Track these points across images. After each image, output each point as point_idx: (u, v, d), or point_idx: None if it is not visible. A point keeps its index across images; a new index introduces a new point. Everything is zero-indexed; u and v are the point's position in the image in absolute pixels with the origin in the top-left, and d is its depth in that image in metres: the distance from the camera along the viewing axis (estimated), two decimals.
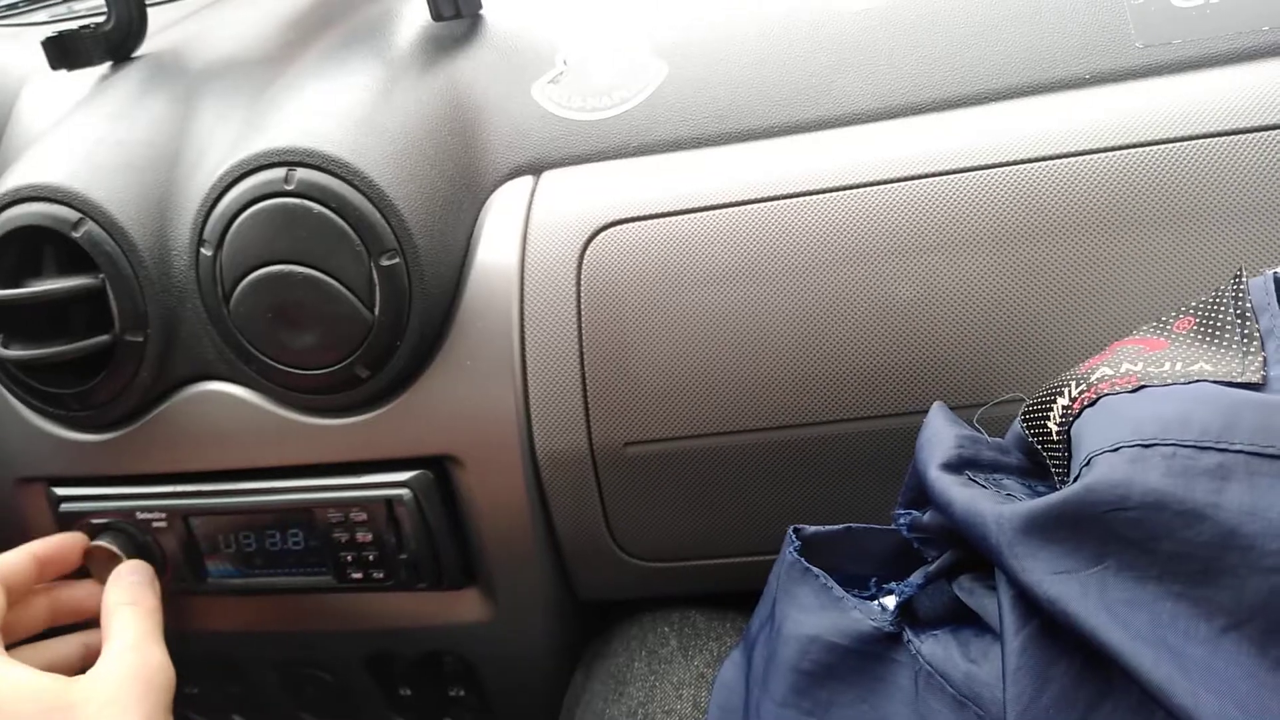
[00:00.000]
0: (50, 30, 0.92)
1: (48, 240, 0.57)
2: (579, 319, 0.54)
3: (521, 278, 0.56)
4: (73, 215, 0.56)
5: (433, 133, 0.59)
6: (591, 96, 0.60)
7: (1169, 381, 0.32)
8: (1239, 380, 0.31)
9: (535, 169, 0.60)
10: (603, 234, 0.55)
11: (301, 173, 0.53)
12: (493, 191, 0.60)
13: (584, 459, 0.55)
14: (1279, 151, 0.48)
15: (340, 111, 0.57)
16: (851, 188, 0.52)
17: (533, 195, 0.58)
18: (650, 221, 0.55)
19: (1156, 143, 0.49)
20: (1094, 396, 0.34)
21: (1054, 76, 0.53)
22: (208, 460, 0.60)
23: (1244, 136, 0.48)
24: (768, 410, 0.53)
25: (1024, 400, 0.40)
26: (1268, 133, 0.48)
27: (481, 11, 0.66)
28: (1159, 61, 0.52)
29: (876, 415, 0.52)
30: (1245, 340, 0.33)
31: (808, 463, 0.54)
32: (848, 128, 0.55)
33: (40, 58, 0.75)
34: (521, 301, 0.55)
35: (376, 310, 0.53)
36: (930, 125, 0.54)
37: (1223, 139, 0.48)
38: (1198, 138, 0.49)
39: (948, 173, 0.51)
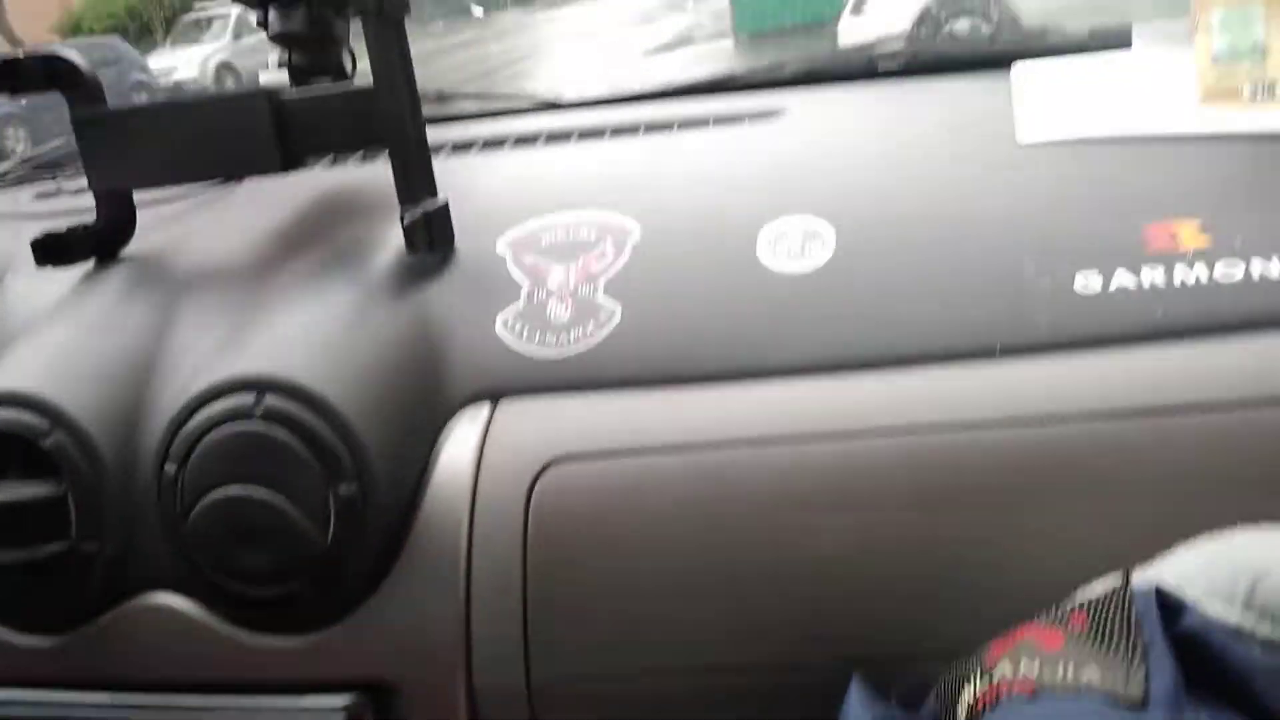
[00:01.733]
0: (36, 206, 0.97)
1: (15, 443, 0.58)
2: (524, 554, 0.57)
3: (472, 509, 0.58)
4: (43, 424, 0.58)
5: (399, 360, 0.62)
6: (550, 334, 0.64)
7: (1061, 691, 0.35)
8: (1123, 695, 0.34)
9: (494, 395, 0.63)
10: (551, 469, 0.58)
11: (270, 399, 0.56)
12: (451, 417, 0.63)
13: (521, 697, 0.56)
14: (1169, 435, 0.53)
15: (312, 339, 0.60)
16: (785, 441, 0.56)
17: (488, 424, 0.61)
18: (597, 461, 0.58)
19: (1065, 419, 0.54)
20: (994, 698, 0.37)
21: (966, 346, 0.58)
22: (148, 672, 0.60)
23: (1140, 420, 0.53)
24: (700, 652, 0.55)
25: (941, 665, 0.43)
26: (1159, 419, 0.53)
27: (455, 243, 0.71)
28: (1064, 339, 0.58)
29: (801, 662, 0.54)
30: (1130, 651, 0.37)
31: (741, 702, 0.55)
32: (786, 378, 0.60)
33: (24, 242, 0.79)
34: (470, 533, 0.58)
35: (330, 537, 0.55)
36: (851, 384, 0.58)
37: (1120, 421, 0.53)
38: (1099, 418, 0.54)
39: (873, 433, 0.55)
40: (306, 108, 0.69)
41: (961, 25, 5.53)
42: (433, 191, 0.69)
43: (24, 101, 10.37)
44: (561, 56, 12.52)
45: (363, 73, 0.81)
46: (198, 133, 0.70)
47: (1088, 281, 0.58)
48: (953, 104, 0.85)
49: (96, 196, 0.75)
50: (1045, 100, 0.77)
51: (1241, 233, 0.58)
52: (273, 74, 0.79)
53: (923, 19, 5.68)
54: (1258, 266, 0.57)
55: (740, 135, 0.84)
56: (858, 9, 6.23)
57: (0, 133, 10.29)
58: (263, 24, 0.81)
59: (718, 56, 10.06)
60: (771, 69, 1.01)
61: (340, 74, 0.83)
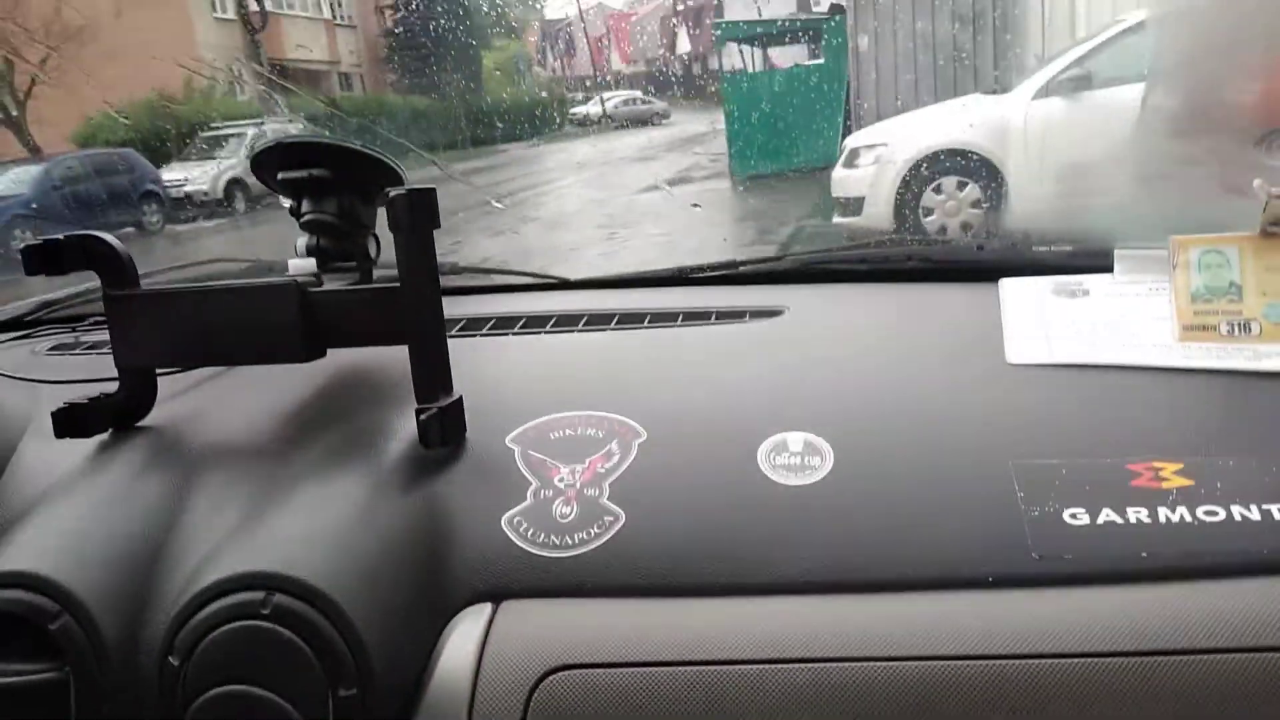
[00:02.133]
0: (54, 362, 0.99)
1: (23, 624, 0.59)
2: None
3: (470, 712, 0.59)
4: (52, 607, 0.59)
5: (405, 557, 0.63)
6: (554, 534, 0.66)
7: None
8: None
9: (496, 596, 0.64)
10: (550, 678, 0.59)
11: (279, 598, 0.56)
12: (454, 615, 0.64)
13: None
14: (1151, 678, 0.54)
15: (322, 535, 0.62)
16: (780, 661, 0.57)
17: (489, 627, 0.62)
18: (595, 671, 0.58)
19: (1054, 656, 0.55)
20: None
21: (960, 575, 0.60)
22: None
23: (1124, 661, 0.54)
24: None
25: None
26: (1141, 660, 0.54)
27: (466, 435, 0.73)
28: (1053, 573, 0.59)
29: None
30: None
31: None
32: (783, 596, 0.61)
33: (43, 405, 0.81)
34: None
35: None
36: (848, 607, 0.60)
37: (1106, 660, 0.55)
38: (1086, 657, 0.55)
39: (859, 660, 0.56)
40: (333, 302, 0.73)
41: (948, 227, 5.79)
42: (448, 388, 0.71)
43: (33, 205, 10.60)
44: (566, 188, 12.93)
45: (386, 261, 0.85)
46: (225, 319, 0.73)
47: (1076, 516, 0.61)
48: (945, 313, 0.90)
49: (120, 371, 0.77)
50: (1032, 323, 0.81)
51: (1221, 478, 0.61)
52: (301, 259, 0.83)
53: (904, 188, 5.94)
54: (1238, 512, 0.59)
55: (743, 334, 0.88)
56: (850, 163, 6.49)
57: (8, 233, 10.44)
58: (294, 212, 0.85)
59: (714, 197, 10.41)
60: (773, 263, 1.06)
61: (365, 259, 0.87)
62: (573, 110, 26.67)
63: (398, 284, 0.70)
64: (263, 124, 14.58)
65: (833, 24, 11.31)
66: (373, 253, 0.88)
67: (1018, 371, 0.75)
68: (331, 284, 0.83)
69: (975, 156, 5.82)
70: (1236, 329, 0.75)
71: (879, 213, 6.09)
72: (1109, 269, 0.90)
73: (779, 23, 13.61)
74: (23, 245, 0.73)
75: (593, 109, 26.51)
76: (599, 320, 0.93)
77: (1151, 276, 0.85)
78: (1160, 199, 0.90)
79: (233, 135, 13.94)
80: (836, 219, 6.48)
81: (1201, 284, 0.77)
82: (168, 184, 12.70)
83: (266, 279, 0.75)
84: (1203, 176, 0.82)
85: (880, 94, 10.37)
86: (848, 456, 0.67)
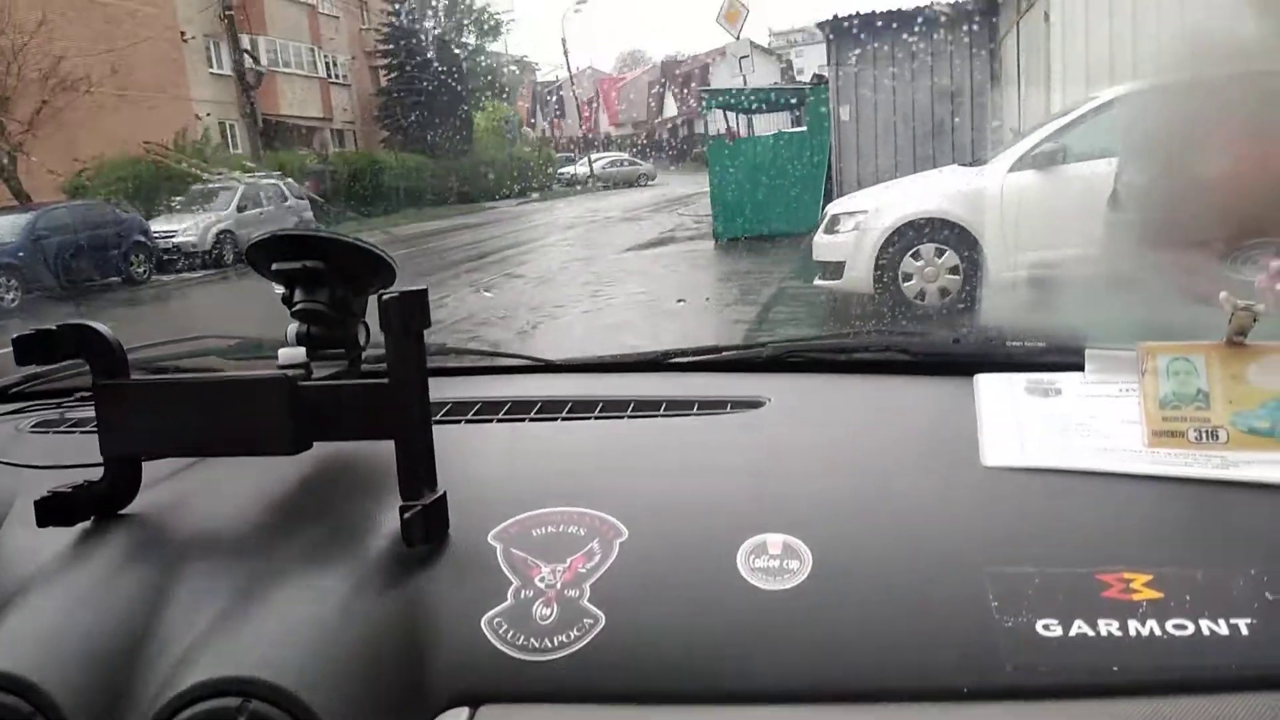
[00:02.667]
0: (38, 442, 0.99)
1: None
2: None
3: None
4: (26, 708, 0.58)
5: (385, 658, 0.64)
6: (534, 637, 0.66)
7: None
8: None
9: (475, 700, 0.64)
10: None
11: (255, 705, 0.56)
12: (433, 719, 0.63)
13: None
14: None
15: (302, 637, 0.62)
16: None
17: None
18: None
19: None
20: None
21: (936, 685, 0.61)
22: None
23: None
24: None
25: None
26: None
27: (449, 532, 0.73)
28: (1026, 685, 0.60)
29: None
30: None
31: None
32: (758, 705, 0.61)
33: (26, 487, 0.80)
34: None
35: None
36: (824, 718, 0.60)
37: None
38: None
39: None
40: (322, 396, 0.74)
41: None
42: (432, 485, 0.72)
43: (20, 254, 10.57)
44: (552, 245, 13.05)
45: (375, 341, 0.86)
46: (214, 411, 0.74)
47: (1049, 627, 0.62)
48: (922, 408, 0.92)
49: (106, 460, 0.77)
50: (1007, 423, 0.83)
51: (1190, 590, 0.62)
52: (291, 348, 0.84)
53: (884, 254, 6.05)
54: (1206, 626, 0.60)
55: (724, 426, 0.89)
56: (831, 228, 6.60)
57: None
58: (287, 301, 0.87)
59: (697, 257, 10.53)
60: (756, 350, 1.08)
61: (355, 346, 0.88)
62: (561, 170, 27.09)
63: (386, 380, 0.71)
64: (254, 178, 14.77)
65: (816, 94, 11.60)
66: (362, 340, 0.90)
67: (992, 474, 0.76)
68: (320, 371, 0.84)
69: (953, 225, 5.94)
70: (1204, 436, 0.77)
71: (859, 277, 6.19)
72: (1080, 366, 0.93)
73: (763, 92, 13.94)
74: (13, 336, 0.73)
75: (580, 169, 26.93)
76: (583, 407, 0.95)
77: (1122, 378, 0.87)
78: (1129, 301, 0.93)
79: (223, 189, 14.07)
80: (818, 281, 6.58)
81: (1170, 391, 0.79)
82: (157, 235, 12.73)
83: (256, 374, 0.76)
84: (1171, 282, 0.85)
85: (861, 162, 10.60)
86: (826, 560, 0.68)
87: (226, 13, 18.44)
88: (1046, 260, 4.70)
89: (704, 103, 14.65)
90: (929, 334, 1.06)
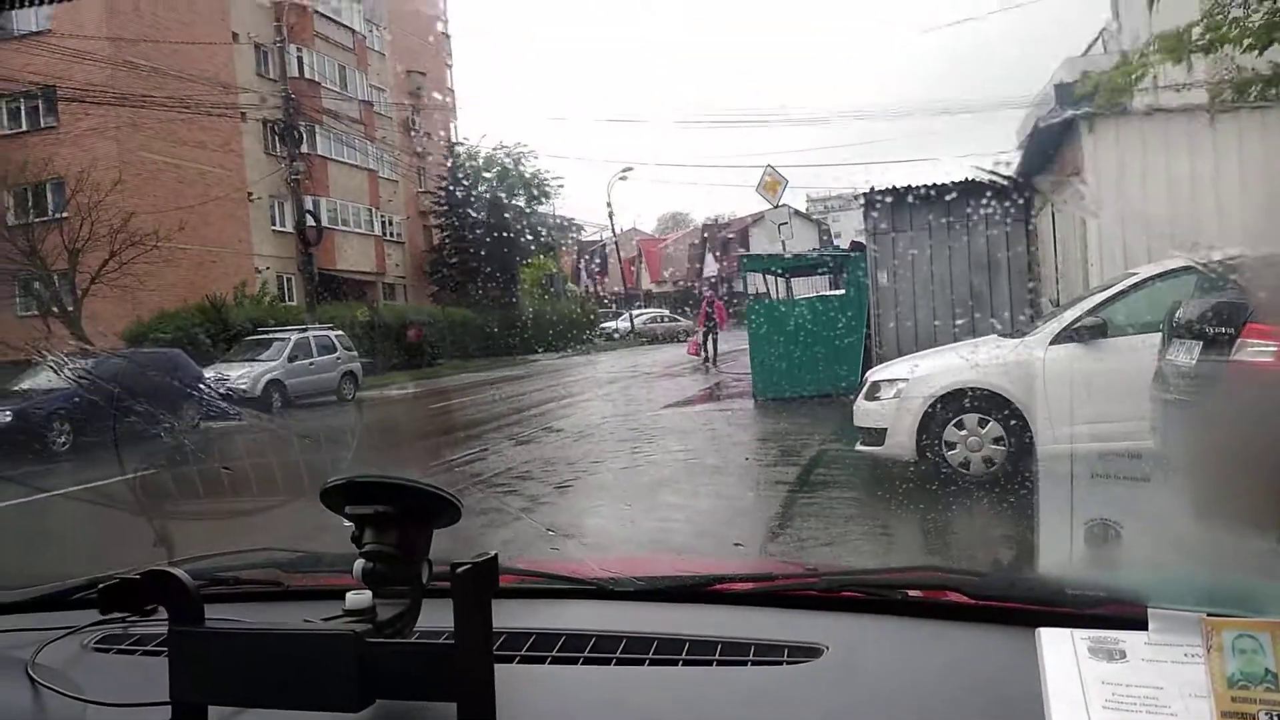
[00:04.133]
0: (102, 661, 1.00)
1: None
2: None
3: None
4: None
5: None
6: None
7: None
8: None
9: None
10: None
11: None
12: None
13: None
14: None
15: None
16: None
17: None
18: None
19: None
20: None
21: None
22: None
23: None
24: None
25: None
26: None
27: None
28: None
29: None
30: None
31: None
32: None
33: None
34: None
35: None
36: None
37: None
38: None
39: None
40: (389, 655, 0.76)
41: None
42: None
43: (75, 399, 10.92)
44: (592, 400, 13.19)
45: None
46: (284, 664, 0.76)
47: None
48: (983, 662, 0.90)
49: (174, 703, 0.79)
50: (1073, 690, 0.82)
51: None
52: (357, 593, 0.86)
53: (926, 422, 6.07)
54: None
55: (780, 680, 0.88)
56: (871, 395, 6.63)
57: (47, 426, 10.71)
58: (356, 540, 0.90)
59: (736, 416, 10.55)
60: (811, 582, 1.08)
61: (418, 585, 0.90)
62: (602, 325, 27.73)
63: (451, 643, 0.73)
64: (305, 330, 15.29)
65: (854, 259, 11.87)
66: (425, 579, 0.92)
67: None
68: (385, 612, 0.86)
69: (996, 396, 5.94)
70: (1277, 719, 0.75)
71: (901, 443, 6.16)
72: (1143, 623, 0.91)
73: (801, 258, 14.31)
74: (100, 586, 0.77)
75: (622, 324, 27.56)
76: (637, 647, 0.95)
77: (1186, 640, 0.85)
78: (1192, 557, 0.92)
79: (276, 339, 14.57)
80: (860, 447, 6.54)
81: (1237, 669, 0.78)
82: (212, 381, 13.10)
83: (325, 629, 0.78)
84: (1232, 545, 0.85)
85: (900, 326, 10.71)
86: None
87: (294, 176, 19.61)
88: (1098, 433, 4.66)
89: (742, 265, 15.06)
90: (986, 574, 1.06)
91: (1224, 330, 3.51)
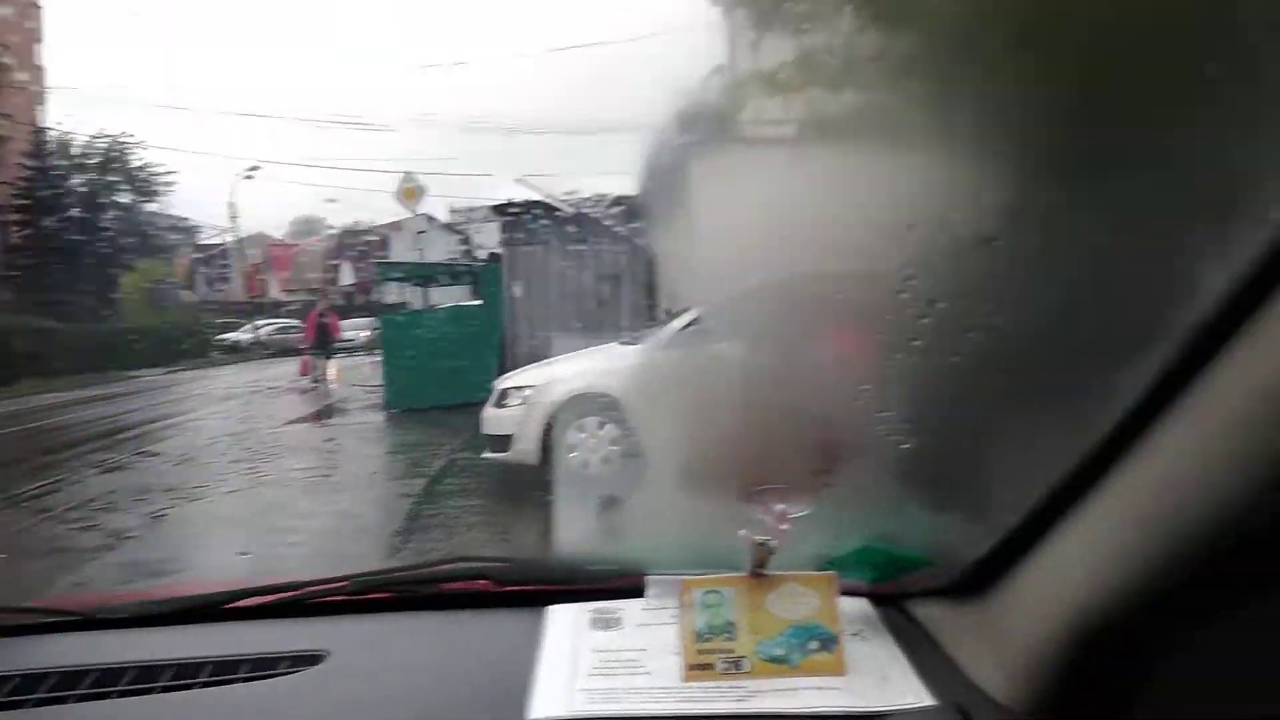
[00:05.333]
0: None
1: None
2: None
3: None
4: None
5: None
6: None
7: None
8: None
9: None
10: None
11: None
12: None
13: None
14: None
15: None
16: None
17: None
18: None
19: None
20: None
21: None
22: None
23: None
24: None
25: None
26: None
27: None
28: None
29: None
30: None
31: None
32: None
33: None
34: None
35: None
36: None
37: None
38: None
39: None
40: None
41: None
42: None
43: None
44: (202, 419, 11.94)
45: None
46: None
47: None
48: (489, 648, 0.89)
49: None
50: (562, 668, 0.82)
51: None
52: None
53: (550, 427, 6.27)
54: None
55: (274, 692, 0.80)
56: (500, 402, 6.72)
57: None
58: None
59: (366, 430, 10.14)
60: (336, 586, 1.00)
61: None
62: (222, 336, 25.28)
63: None
64: None
65: (489, 270, 11.95)
66: None
67: None
68: None
69: (612, 400, 6.27)
70: (731, 667, 0.81)
71: (527, 449, 6.29)
72: (643, 591, 0.96)
73: (438, 267, 14.16)
74: None
75: (244, 335, 25.28)
76: (109, 678, 0.82)
77: (674, 604, 0.90)
78: (686, 527, 0.98)
79: None
80: (486, 454, 6.58)
81: (704, 623, 0.83)
82: None
83: None
84: (715, 514, 0.91)
85: (534, 337, 10.97)
86: None
87: None
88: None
89: (380, 273, 14.59)
90: (512, 561, 1.05)
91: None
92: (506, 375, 7.42)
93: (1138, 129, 0.65)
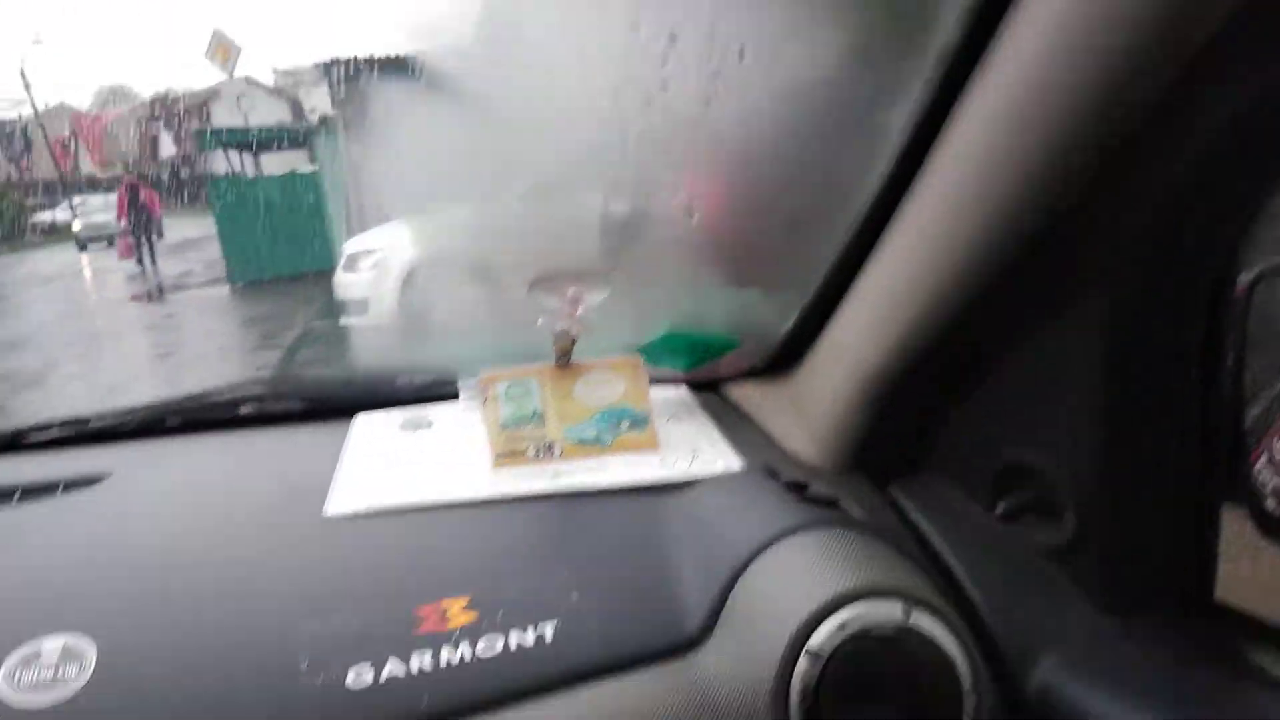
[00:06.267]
0: None
1: None
2: None
3: None
4: None
5: None
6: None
7: None
8: None
9: None
10: None
11: None
12: None
13: None
14: None
15: None
16: None
17: None
18: None
19: None
20: None
21: None
22: None
23: None
24: None
25: None
26: None
27: None
28: None
29: None
30: None
31: None
32: None
33: None
34: None
35: None
36: None
37: None
38: None
39: None
40: None
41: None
42: None
43: None
44: (24, 303, 11.02)
45: None
46: None
47: (360, 675, 0.59)
48: (285, 462, 0.87)
49: None
50: (365, 467, 0.82)
51: (503, 605, 0.64)
52: None
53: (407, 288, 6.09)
54: (515, 638, 0.62)
55: (52, 513, 0.77)
56: (350, 267, 6.48)
57: None
58: None
59: (211, 304, 9.62)
60: (126, 418, 0.95)
61: None
62: (36, 218, 23.02)
63: None
64: None
65: (326, 133, 11.21)
66: None
67: (330, 524, 0.73)
68: None
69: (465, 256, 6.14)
70: (541, 451, 0.82)
71: (385, 310, 6.12)
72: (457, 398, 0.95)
73: (265, 131, 13.19)
74: None
75: (60, 215, 23.07)
76: None
77: None
78: (493, 331, 0.98)
79: None
80: (345, 320, 6.38)
81: (510, 413, 0.83)
82: None
83: None
84: (512, 313, 0.91)
85: (382, 198, 10.46)
86: (113, 660, 0.59)
87: None
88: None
89: (203, 142, 13.49)
90: (326, 378, 1.02)
91: None
92: (354, 239, 7.12)
93: None
